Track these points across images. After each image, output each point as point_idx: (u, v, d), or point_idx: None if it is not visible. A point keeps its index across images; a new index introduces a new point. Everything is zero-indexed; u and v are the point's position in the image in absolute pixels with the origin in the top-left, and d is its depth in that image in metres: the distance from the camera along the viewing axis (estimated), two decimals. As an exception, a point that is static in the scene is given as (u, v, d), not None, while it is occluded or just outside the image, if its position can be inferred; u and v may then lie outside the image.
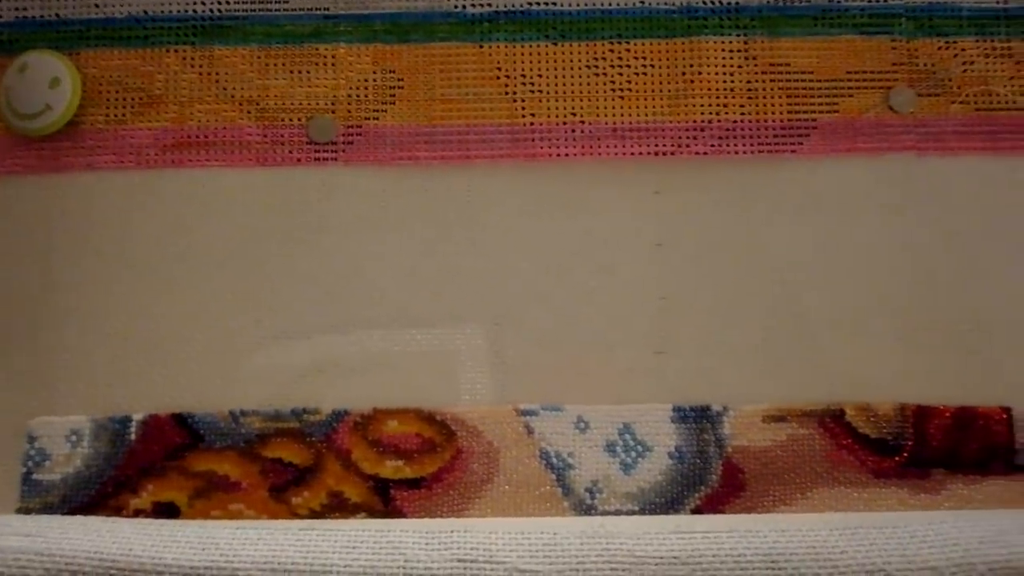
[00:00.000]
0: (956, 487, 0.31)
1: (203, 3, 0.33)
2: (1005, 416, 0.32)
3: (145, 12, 0.33)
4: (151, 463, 0.30)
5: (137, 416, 0.30)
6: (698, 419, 0.31)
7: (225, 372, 0.31)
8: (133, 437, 0.30)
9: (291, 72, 0.32)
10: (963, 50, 0.34)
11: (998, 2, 0.34)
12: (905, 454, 0.31)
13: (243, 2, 0.33)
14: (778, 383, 0.31)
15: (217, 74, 0.32)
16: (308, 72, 0.32)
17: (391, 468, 0.30)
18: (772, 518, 0.29)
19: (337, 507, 0.30)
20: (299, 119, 0.32)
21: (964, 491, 0.31)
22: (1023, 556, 0.27)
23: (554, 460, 0.31)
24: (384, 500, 0.30)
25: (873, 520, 0.29)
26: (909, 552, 0.28)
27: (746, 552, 0.27)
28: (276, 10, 0.33)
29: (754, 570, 0.27)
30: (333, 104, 0.32)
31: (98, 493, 0.30)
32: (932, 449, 0.31)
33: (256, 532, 0.27)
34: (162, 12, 0.33)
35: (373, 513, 0.29)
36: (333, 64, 0.33)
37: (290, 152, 0.32)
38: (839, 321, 0.32)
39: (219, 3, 0.33)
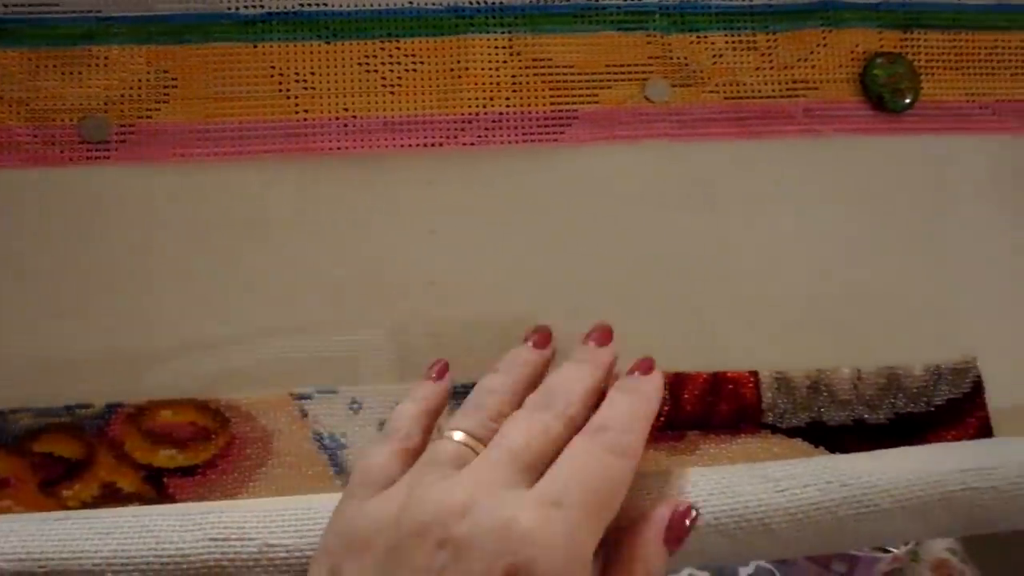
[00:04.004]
0: (708, 447, 0.34)
1: (-27, 6, 0.33)
2: (753, 379, 0.35)
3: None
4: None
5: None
6: (467, 395, 0.33)
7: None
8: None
9: (63, 73, 0.33)
10: (713, 44, 0.36)
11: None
12: (662, 418, 0.34)
13: (14, 5, 0.34)
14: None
15: (-12, 76, 0.33)
16: (80, 73, 0.33)
17: (164, 457, 0.31)
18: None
19: (110, 498, 0.30)
20: (71, 119, 0.33)
21: (715, 450, 0.34)
22: (749, 504, 0.30)
23: (327, 441, 0.32)
24: (157, 489, 0.31)
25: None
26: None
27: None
28: (48, 13, 0.34)
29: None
30: (106, 104, 0.33)
31: None
32: (687, 413, 0.34)
33: (9, 525, 0.27)
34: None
35: (146, 502, 0.30)
36: (106, 65, 0.33)
37: (62, 152, 0.33)
38: (606, 300, 0.33)
39: (-11, 6, 0.33)
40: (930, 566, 0.82)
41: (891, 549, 0.71)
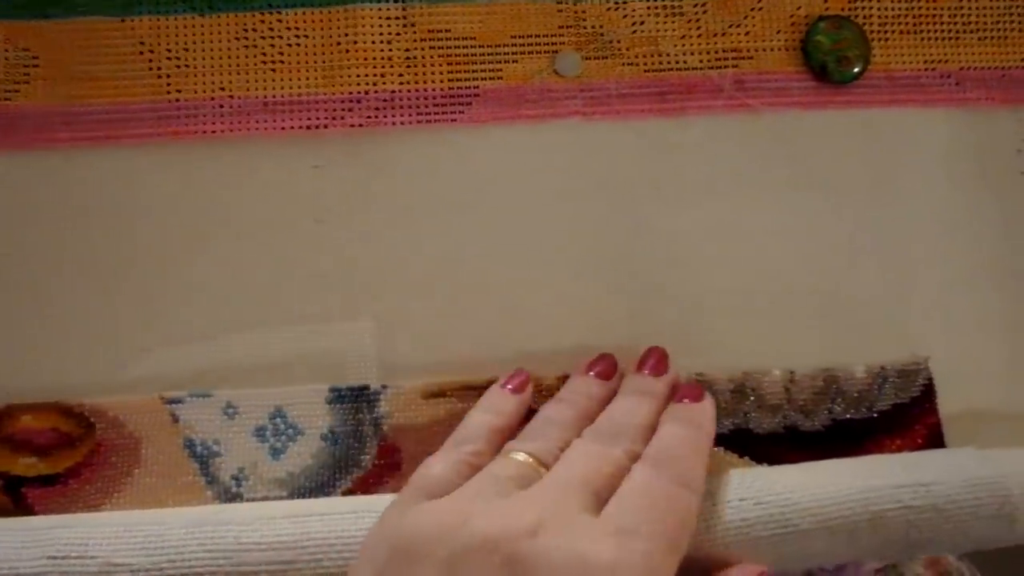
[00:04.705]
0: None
1: None
2: (670, 382, 0.32)
3: None
4: None
5: None
6: (355, 399, 0.31)
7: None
8: None
9: (-81, 54, 0.31)
10: (632, 10, 0.33)
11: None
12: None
13: None
14: (441, 356, 0.31)
15: None
16: (-63, 53, 0.31)
17: (24, 465, 0.29)
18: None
19: (-36, 509, 0.29)
20: (-74, 104, 0.31)
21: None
22: None
23: (199, 448, 0.30)
24: (15, 499, 0.29)
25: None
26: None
27: (358, 534, 0.27)
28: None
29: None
30: (-37, 87, 0.31)
31: None
32: (594, 419, 0.31)
33: None
34: None
35: (2, 513, 0.29)
36: (-36, 44, 0.31)
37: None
38: (509, 290, 0.31)
39: None
40: (924, 563, 0.78)
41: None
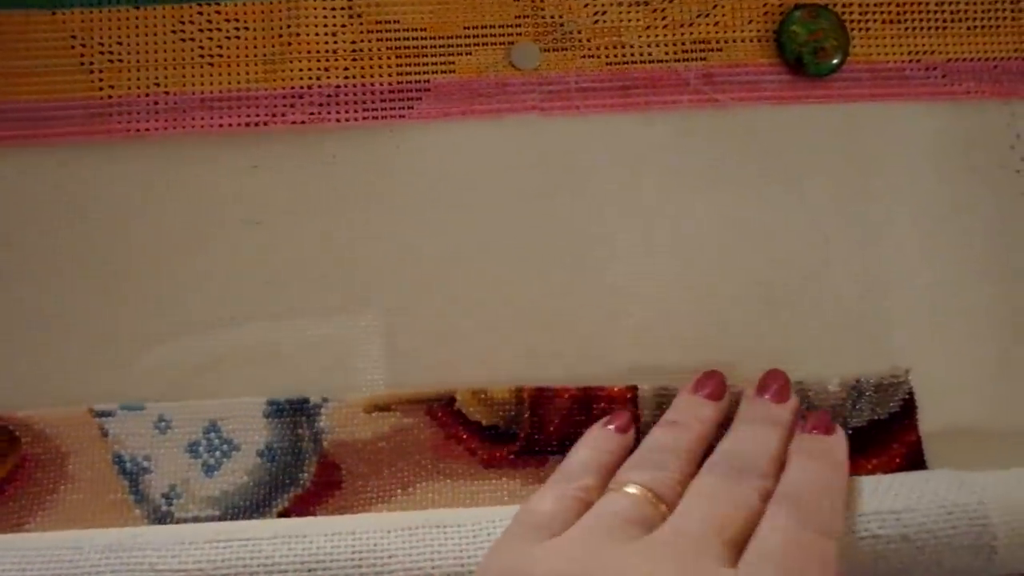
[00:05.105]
0: (574, 475, 0.30)
1: None
2: (631, 396, 0.30)
3: None
4: None
5: None
6: (294, 412, 0.29)
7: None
8: None
9: None
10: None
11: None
12: (520, 441, 0.29)
13: None
14: (389, 369, 0.29)
15: None
16: None
17: (-56, 482, 0.28)
18: (350, 519, 0.27)
19: None
20: None
21: (581, 479, 0.30)
22: None
23: (128, 464, 0.28)
24: (-67, 517, 0.28)
25: (446, 518, 0.27)
26: (464, 554, 0.26)
27: (282, 560, 0.25)
28: None
29: (285, 579, 0.25)
30: None
31: None
32: (549, 434, 0.29)
33: None
34: None
35: (-80, 533, 0.28)
36: None
37: None
38: (462, 294, 0.29)
39: None
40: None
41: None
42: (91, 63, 0.30)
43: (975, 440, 0.30)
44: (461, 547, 0.25)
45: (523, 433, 0.29)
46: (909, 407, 0.30)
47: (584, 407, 0.29)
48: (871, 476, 0.28)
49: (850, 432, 0.29)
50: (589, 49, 0.31)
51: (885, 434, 0.30)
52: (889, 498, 0.26)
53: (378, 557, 0.25)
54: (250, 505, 0.28)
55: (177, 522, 0.28)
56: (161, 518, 0.28)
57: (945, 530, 0.26)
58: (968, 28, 0.32)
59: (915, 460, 0.30)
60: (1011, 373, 0.30)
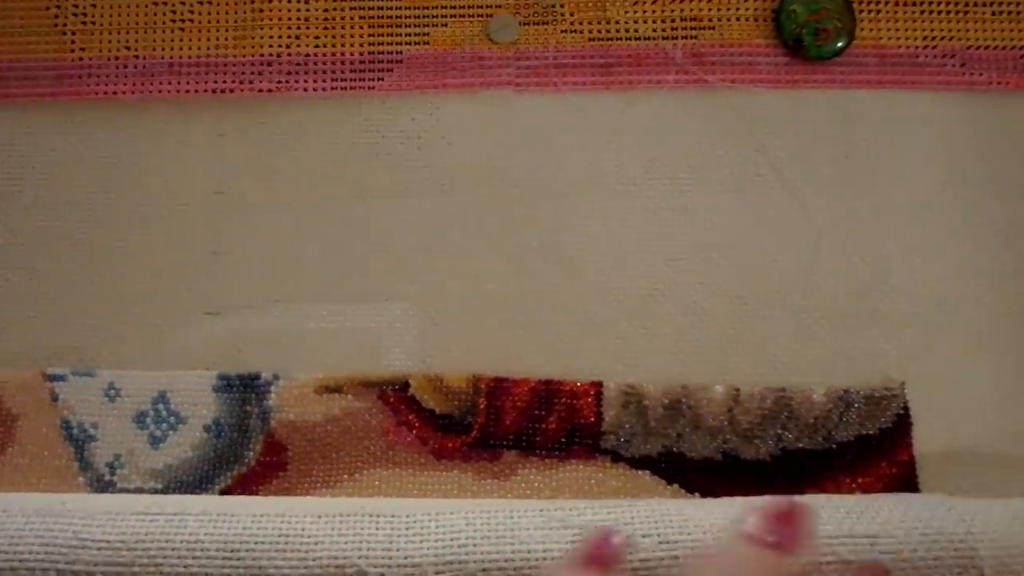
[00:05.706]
0: (529, 472, 0.27)
1: None
2: (594, 392, 0.28)
3: None
4: None
5: None
6: (244, 388, 0.28)
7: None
8: None
9: None
10: (579, -29, 0.30)
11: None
12: (474, 432, 0.28)
13: None
14: (339, 351, 0.28)
15: None
16: None
17: None
18: (283, 502, 0.26)
19: None
20: None
21: (537, 477, 0.27)
22: (529, 551, 0.24)
23: (75, 431, 0.28)
24: None
25: (383, 507, 0.26)
26: (394, 545, 0.24)
27: (205, 539, 0.24)
28: None
29: (207, 558, 0.24)
30: None
31: None
32: (505, 427, 0.27)
33: None
34: None
35: None
36: None
37: None
38: (422, 282, 0.28)
39: None
40: None
41: None
42: (65, 24, 0.29)
43: (975, 462, 0.27)
44: (391, 538, 0.24)
45: (478, 424, 0.28)
46: (903, 423, 0.28)
47: (544, 400, 0.28)
48: (852, 496, 0.26)
49: (834, 446, 0.27)
50: (570, 23, 0.29)
51: (874, 451, 0.27)
52: (865, 520, 0.24)
53: (303, 543, 0.24)
54: (193, 480, 0.27)
55: (119, 492, 0.28)
56: (103, 487, 0.27)
57: (926, 559, 0.23)
58: (993, 13, 0.29)
59: (906, 482, 0.27)
60: (1016, 389, 0.28)
